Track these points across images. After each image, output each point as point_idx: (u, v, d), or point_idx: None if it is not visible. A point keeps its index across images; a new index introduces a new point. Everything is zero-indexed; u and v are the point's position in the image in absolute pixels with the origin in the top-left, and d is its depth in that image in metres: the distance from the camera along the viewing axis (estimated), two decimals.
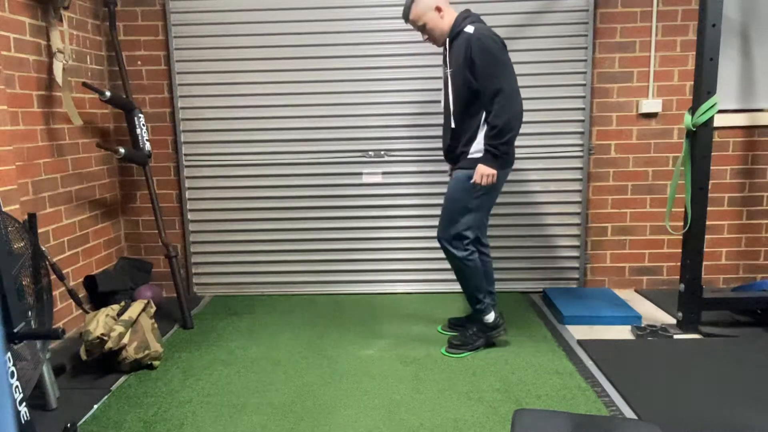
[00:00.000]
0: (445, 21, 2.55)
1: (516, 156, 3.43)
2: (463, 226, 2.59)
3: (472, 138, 2.56)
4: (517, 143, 3.39)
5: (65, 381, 2.46)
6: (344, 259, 3.59)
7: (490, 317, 2.69)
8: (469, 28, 2.47)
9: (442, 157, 3.42)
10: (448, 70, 2.60)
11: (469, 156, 2.57)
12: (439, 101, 3.38)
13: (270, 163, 3.51)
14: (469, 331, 2.72)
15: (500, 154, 2.48)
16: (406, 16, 2.59)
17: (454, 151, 2.63)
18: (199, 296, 3.62)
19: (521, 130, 3.35)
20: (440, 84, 3.37)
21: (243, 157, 3.50)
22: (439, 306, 3.33)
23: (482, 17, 3.28)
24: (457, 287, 3.56)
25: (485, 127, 2.53)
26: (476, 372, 2.48)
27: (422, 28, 2.58)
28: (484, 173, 2.49)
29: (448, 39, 2.57)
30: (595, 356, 2.59)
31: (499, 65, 2.41)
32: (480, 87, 2.44)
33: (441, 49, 3.35)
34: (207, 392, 2.36)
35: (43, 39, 2.81)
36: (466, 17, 2.53)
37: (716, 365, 2.45)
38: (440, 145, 3.42)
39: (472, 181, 2.52)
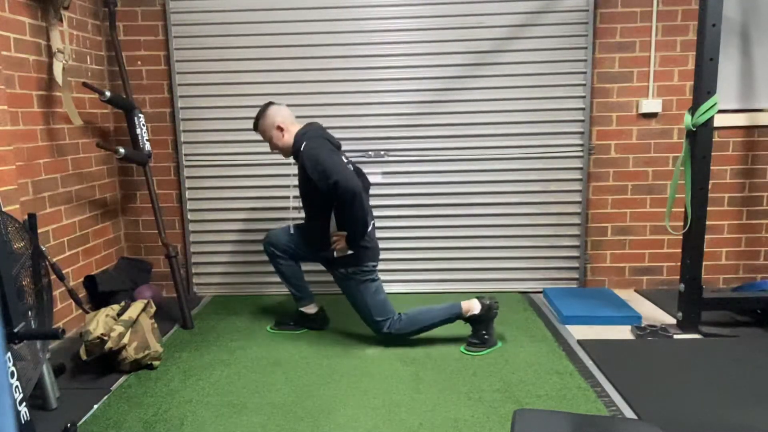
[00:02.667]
0: (287, 139, 2.75)
1: (516, 156, 3.47)
2: (381, 314, 2.75)
3: (326, 236, 2.73)
4: (517, 143, 3.43)
5: (65, 381, 2.46)
6: None
7: (476, 308, 2.70)
8: (303, 147, 2.65)
9: (442, 158, 3.45)
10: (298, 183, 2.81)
11: (336, 256, 2.72)
12: (438, 101, 3.40)
13: (270, 163, 3.51)
14: (482, 331, 2.73)
15: (358, 234, 2.63)
16: (255, 126, 2.81)
17: (317, 245, 2.78)
18: (199, 296, 3.62)
19: (521, 130, 3.42)
20: (439, 83, 3.39)
21: (243, 157, 3.51)
22: None
23: (483, 18, 3.32)
24: (456, 287, 3.58)
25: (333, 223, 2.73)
26: (476, 372, 2.48)
27: (269, 141, 2.79)
28: (341, 243, 2.67)
29: (293, 156, 2.75)
30: (595, 356, 2.59)
31: (327, 164, 2.55)
32: (323, 190, 2.58)
33: (444, 47, 3.40)
34: (207, 392, 2.36)
35: (43, 39, 2.81)
36: (303, 134, 2.70)
37: (716, 365, 2.45)
38: (438, 145, 3.44)
39: (332, 244, 2.72)
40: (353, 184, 2.51)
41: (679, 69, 3.36)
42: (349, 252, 2.68)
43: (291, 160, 2.81)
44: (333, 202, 2.66)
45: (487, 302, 2.70)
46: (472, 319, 2.71)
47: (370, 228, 2.71)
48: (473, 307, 2.70)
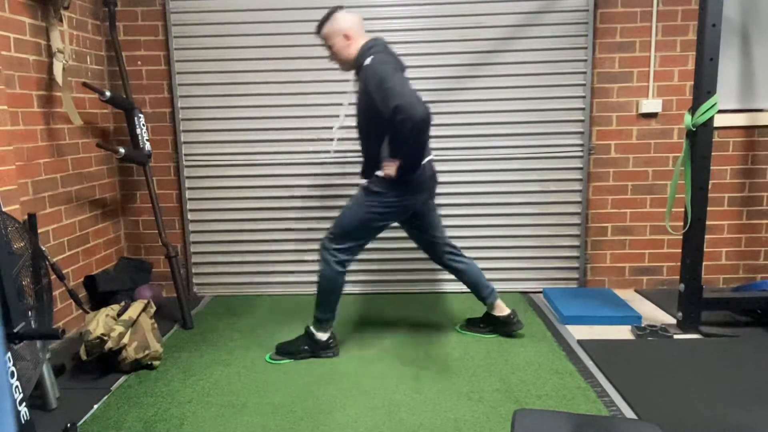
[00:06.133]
0: (351, 50, 2.49)
1: (516, 156, 3.47)
2: (346, 239, 2.55)
3: (378, 162, 2.52)
4: (517, 143, 3.43)
5: (65, 381, 2.46)
6: None
7: (323, 336, 2.65)
8: (368, 61, 2.40)
9: (442, 158, 3.45)
10: (355, 100, 2.57)
11: (376, 173, 2.52)
12: (438, 101, 3.40)
13: (270, 163, 3.51)
14: (298, 343, 2.68)
15: (408, 168, 2.41)
16: (318, 29, 2.55)
17: (366, 173, 2.59)
18: (199, 296, 3.62)
19: (521, 130, 3.41)
20: (439, 83, 3.39)
21: (243, 157, 3.51)
22: (439, 306, 3.33)
23: (483, 18, 3.32)
24: (457, 287, 3.57)
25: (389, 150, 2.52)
26: (476, 372, 2.48)
27: (329, 48, 2.55)
28: (389, 168, 2.44)
29: (354, 71, 2.53)
30: (595, 356, 2.59)
31: (391, 84, 2.28)
32: (383, 111, 2.32)
33: (443, 48, 3.39)
34: (207, 392, 2.36)
35: (43, 39, 2.81)
36: (369, 48, 2.43)
37: (716, 365, 2.45)
38: (438, 145, 3.45)
39: (380, 173, 2.50)
40: (417, 111, 2.19)
41: (679, 69, 3.36)
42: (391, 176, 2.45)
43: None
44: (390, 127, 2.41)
45: (333, 344, 2.67)
46: (313, 325, 2.66)
47: (425, 160, 2.48)
48: (325, 334, 2.66)
